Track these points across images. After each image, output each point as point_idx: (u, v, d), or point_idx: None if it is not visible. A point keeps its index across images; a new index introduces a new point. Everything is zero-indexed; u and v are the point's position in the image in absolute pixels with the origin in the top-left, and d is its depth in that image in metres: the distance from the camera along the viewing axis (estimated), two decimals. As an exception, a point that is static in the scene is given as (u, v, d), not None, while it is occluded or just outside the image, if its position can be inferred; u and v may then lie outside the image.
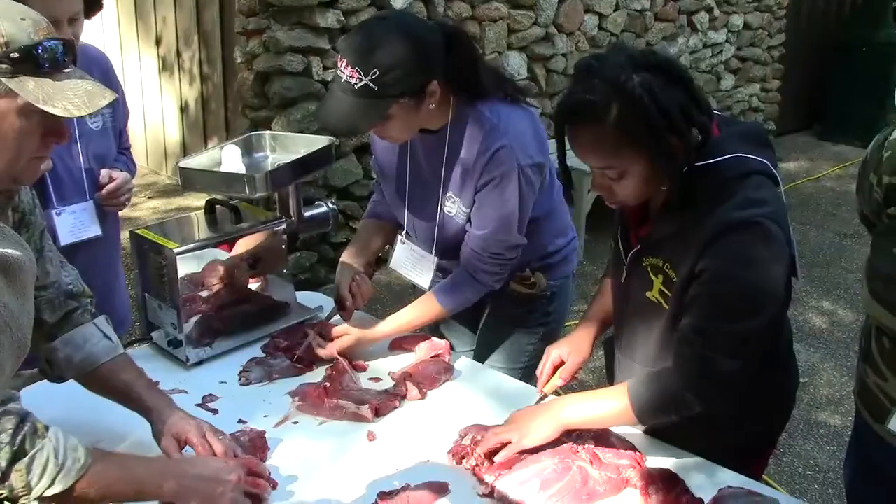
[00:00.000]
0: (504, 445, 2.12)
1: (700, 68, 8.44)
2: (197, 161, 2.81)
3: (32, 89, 1.56)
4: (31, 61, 1.56)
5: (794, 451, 4.19)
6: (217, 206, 2.79)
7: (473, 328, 2.99)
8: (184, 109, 7.55)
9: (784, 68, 9.64)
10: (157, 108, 7.85)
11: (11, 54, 1.54)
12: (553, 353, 2.43)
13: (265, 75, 5.71)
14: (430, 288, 2.72)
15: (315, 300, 3.04)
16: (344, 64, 2.26)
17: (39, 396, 2.32)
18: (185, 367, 2.61)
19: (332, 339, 2.64)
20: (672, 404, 2.04)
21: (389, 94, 2.26)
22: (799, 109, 9.96)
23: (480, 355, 2.92)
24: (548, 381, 2.42)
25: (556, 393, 2.43)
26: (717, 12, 8.58)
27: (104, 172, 2.92)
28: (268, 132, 3.06)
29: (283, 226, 2.77)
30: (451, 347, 2.85)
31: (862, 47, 9.30)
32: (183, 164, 2.74)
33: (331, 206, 3.00)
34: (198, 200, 7.16)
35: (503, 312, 2.86)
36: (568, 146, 2.02)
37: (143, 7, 7.74)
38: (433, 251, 2.72)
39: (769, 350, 2.16)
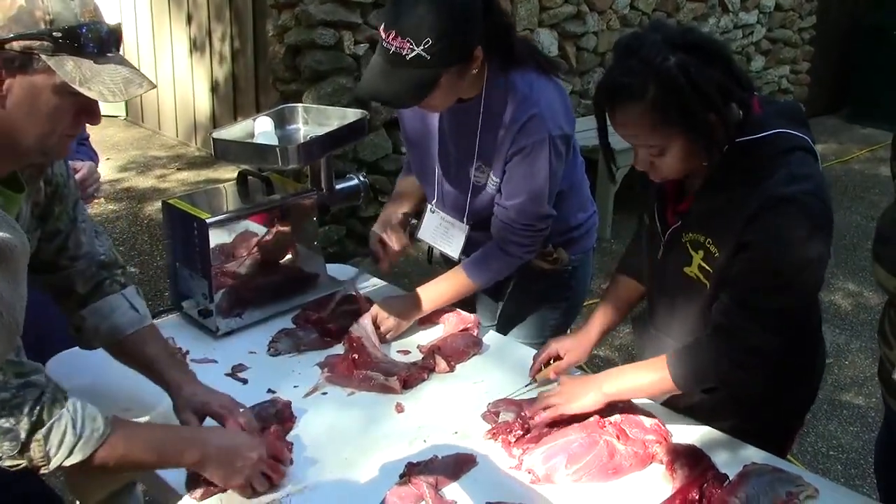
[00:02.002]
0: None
1: (730, 49, 8.34)
2: (230, 132, 2.82)
3: (70, 70, 1.57)
4: (73, 41, 1.57)
5: (818, 431, 4.20)
6: (249, 177, 2.82)
7: (496, 303, 3.00)
8: (214, 84, 7.58)
9: (814, 50, 9.57)
10: (187, 80, 7.88)
11: (54, 33, 1.55)
12: (552, 346, 2.47)
13: (296, 49, 5.72)
14: (458, 257, 2.73)
15: (345, 272, 3.07)
16: (391, 35, 2.22)
17: (71, 364, 2.37)
18: (214, 337, 2.64)
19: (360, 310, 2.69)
20: (709, 374, 2.08)
21: (441, 62, 2.24)
22: (828, 92, 9.89)
23: (503, 330, 2.92)
24: (539, 369, 2.46)
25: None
26: (748, -8, 8.54)
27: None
28: (300, 105, 3.06)
29: (315, 197, 2.79)
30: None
31: (892, 30, 9.22)
32: (216, 135, 2.75)
33: (362, 178, 3.01)
34: (227, 173, 7.20)
35: (525, 287, 2.86)
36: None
37: (175, -18, 7.78)
38: (465, 220, 2.72)
39: (801, 328, 2.18)
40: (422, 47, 2.19)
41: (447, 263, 2.87)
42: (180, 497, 1.97)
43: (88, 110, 1.68)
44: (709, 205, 2.06)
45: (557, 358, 2.46)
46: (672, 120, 1.91)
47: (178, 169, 7.65)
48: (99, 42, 1.61)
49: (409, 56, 2.21)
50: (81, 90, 1.57)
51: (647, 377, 2.16)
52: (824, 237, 1.96)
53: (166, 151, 8.09)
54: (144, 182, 7.27)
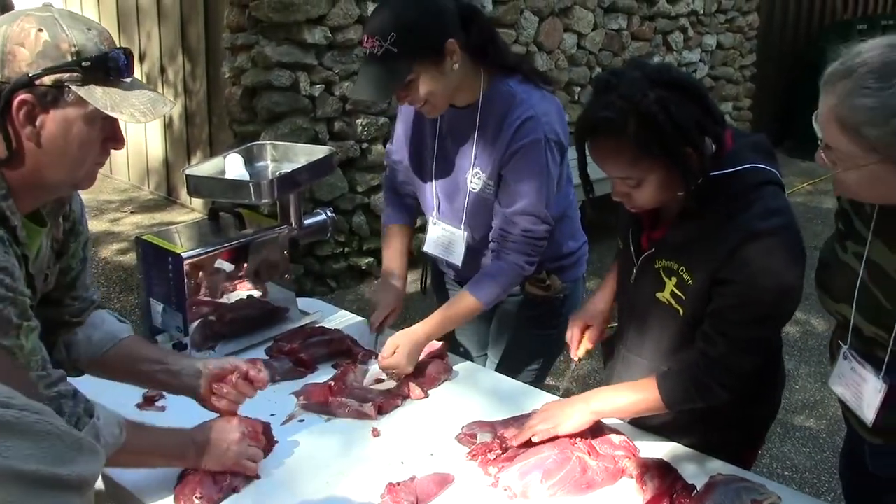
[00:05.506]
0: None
1: (705, 87, 8.50)
2: (202, 169, 2.90)
3: (101, 97, 1.63)
4: (100, 70, 1.64)
5: (772, 453, 4.31)
6: (221, 213, 2.88)
7: (486, 332, 3.05)
8: (167, 125, 7.59)
9: (755, 87, 9.82)
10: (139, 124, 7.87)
11: (83, 63, 1.61)
12: (577, 322, 2.54)
13: (253, 90, 5.79)
14: (461, 264, 2.78)
15: (313, 305, 3.13)
16: (366, 39, 2.39)
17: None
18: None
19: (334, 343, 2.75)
20: (699, 395, 2.17)
21: (408, 53, 2.38)
22: (770, 127, 10.10)
23: (493, 358, 2.98)
24: (579, 345, 2.52)
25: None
26: (690, 32, 8.74)
27: None
28: (268, 142, 3.13)
29: (286, 232, 2.86)
30: (468, 352, 2.97)
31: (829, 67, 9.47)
32: (189, 171, 2.82)
33: (329, 213, 3.08)
34: (181, 215, 7.22)
35: (516, 315, 2.91)
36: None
37: (127, 23, 7.79)
38: (462, 226, 2.76)
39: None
40: (388, 42, 2.35)
41: (439, 292, 2.95)
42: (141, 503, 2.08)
43: (113, 137, 1.74)
44: (684, 234, 2.15)
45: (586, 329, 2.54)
46: (651, 153, 1.99)
47: (131, 212, 7.63)
48: (121, 68, 1.68)
49: (380, 52, 2.37)
50: (114, 114, 1.64)
51: (635, 397, 2.24)
52: (799, 267, 2.07)
53: (119, 195, 8.07)
54: (98, 226, 7.24)
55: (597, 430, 2.27)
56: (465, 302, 2.67)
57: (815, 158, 1.84)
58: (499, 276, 2.66)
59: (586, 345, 2.53)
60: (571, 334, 2.54)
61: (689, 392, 2.17)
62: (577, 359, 2.55)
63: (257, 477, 2.13)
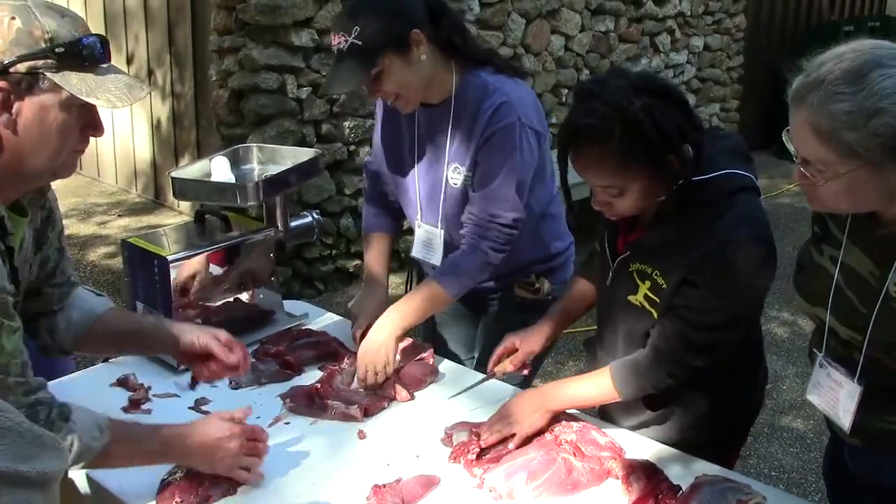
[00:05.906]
0: (504, 438, 2.25)
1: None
2: (188, 172, 2.90)
3: (76, 83, 1.63)
4: (74, 56, 1.64)
5: (760, 454, 4.32)
6: (206, 215, 2.88)
7: (474, 336, 3.05)
8: (155, 128, 7.58)
9: (742, 88, 9.84)
10: (126, 126, 7.86)
11: (56, 49, 1.62)
12: (508, 340, 2.56)
13: (240, 93, 5.79)
14: (441, 263, 2.75)
15: (300, 308, 3.13)
16: (333, 37, 2.43)
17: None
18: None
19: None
20: (651, 388, 2.22)
21: (373, 45, 2.40)
22: (757, 128, 10.15)
23: (482, 362, 2.96)
24: (497, 362, 2.56)
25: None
26: (678, 34, 8.77)
27: None
28: (255, 145, 3.13)
29: (272, 235, 2.86)
30: (457, 356, 2.96)
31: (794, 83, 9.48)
32: (175, 174, 2.82)
33: (315, 216, 3.07)
34: (168, 218, 7.22)
35: (505, 319, 2.87)
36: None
37: (115, 25, 7.78)
38: (439, 224, 2.76)
39: (741, 348, 2.30)
40: (353, 36, 2.38)
41: None
42: None
43: (92, 123, 1.74)
44: (659, 238, 2.16)
45: (514, 351, 2.56)
46: (636, 161, 1.99)
47: (119, 215, 7.63)
48: (96, 54, 1.68)
49: (346, 47, 2.40)
50: (89, 100, 1.64)
51: (589, 388, 2.28)
52: (767, 275, 2.10)
53: (106, 198, 8.06)
54: (86, 229, 7.24)
55: (583, 431, 2.27)
56: (430, 290, 2.65)
57: (793, 176, 1.84)
58: (464, 262, 2.64)
59: (506, 366, 2.56)
60: (496, 351, 2.58)
61: (643, 384, 2.22)
62: (491, 373, 2.60)
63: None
